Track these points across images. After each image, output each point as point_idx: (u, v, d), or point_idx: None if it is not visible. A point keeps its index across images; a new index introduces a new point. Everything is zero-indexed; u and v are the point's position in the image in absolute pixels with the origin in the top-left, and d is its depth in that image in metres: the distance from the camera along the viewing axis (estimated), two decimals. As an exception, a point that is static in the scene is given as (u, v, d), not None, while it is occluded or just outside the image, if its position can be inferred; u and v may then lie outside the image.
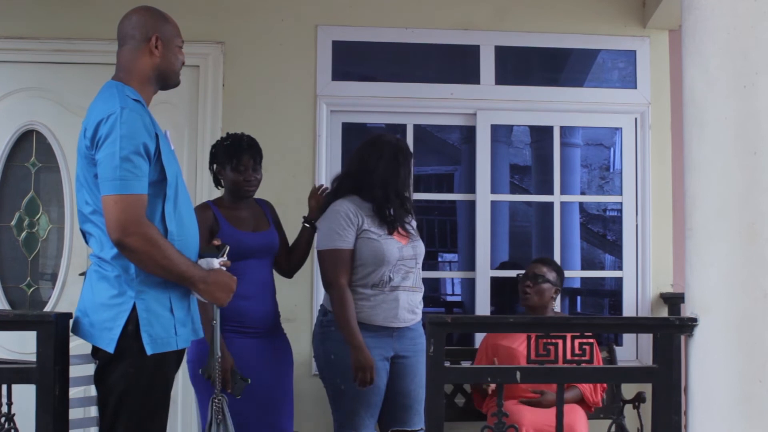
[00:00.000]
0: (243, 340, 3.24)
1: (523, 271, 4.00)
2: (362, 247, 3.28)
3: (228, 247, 2.64)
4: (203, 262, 2.53)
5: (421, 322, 3.41)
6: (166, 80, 2.61)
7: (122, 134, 2.35)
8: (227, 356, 3.07)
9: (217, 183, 3.48)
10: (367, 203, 3.35)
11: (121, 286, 2.41)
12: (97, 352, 2.48)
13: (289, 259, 3.53)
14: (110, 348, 2.40)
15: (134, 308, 2.40)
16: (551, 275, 3.88)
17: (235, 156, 3.33)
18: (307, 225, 3.52)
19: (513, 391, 3.66)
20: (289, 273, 3.56)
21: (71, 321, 2.52)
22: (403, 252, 3.33)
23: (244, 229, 3.32)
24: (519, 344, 3.74)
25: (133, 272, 2.41)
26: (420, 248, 3.42)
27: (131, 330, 2.39)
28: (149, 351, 2.39)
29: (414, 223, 3.50)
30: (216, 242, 2.67)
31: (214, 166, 3.42)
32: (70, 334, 2.52)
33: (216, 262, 2.55)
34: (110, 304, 2.42)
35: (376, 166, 3.34)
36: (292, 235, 3.57)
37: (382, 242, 3.28)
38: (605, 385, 3.86)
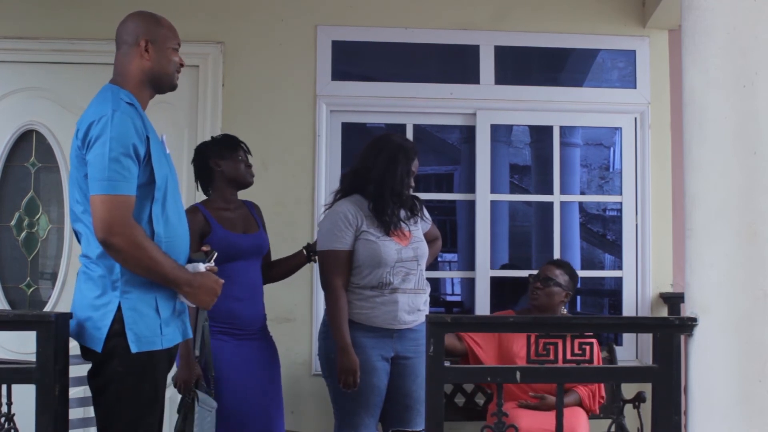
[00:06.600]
0: (235, 342, 3.23)
1: (535, 271, 3.94)
2: (360, 248, 3.28)
3: (216, 254, 2.65)
4: (190, 267, 2.54)
5: (425, 322, 3.39)
6: (159, 83, 2.60)
7: (112, 136, 2.38)
8: (194, 366, 3.06)
9: (205, 188, 3.44)
10: (366, 202, 3.35)
11: (106, 286, 2.43)
12: (86, 353, 2.49)
13: (270, 273, 3.49)
14: (98, 348, 2.42)
15: (119, 308, 2.41)
16: (563, 279, 3.80)
17: (233, 146, 3.38)
18: (305, 253, 3.49)
19: (511, 394, 3.64)
20: (266, 281, 3.48)
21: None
22: (402, 254, 3.32)
23: (234, 230, 3.32)
24: (519, 348, 3.73)
25: (118, 272, 2.42)
26: (422, 249, 3.40)
27: (118, 329, 2.41)
28: (134, 349, 2.40)
29: (422, 224, 3.48)
30: (205, 248, 2.67)
31: (209, 163, 3.36)
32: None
33: (202, 267, 2.55)
34: (96, 305, 2.44)
35: (373, 164, 3.34)
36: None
37: (379, 244, 3.28)
38: (603, 394, 3.82)
